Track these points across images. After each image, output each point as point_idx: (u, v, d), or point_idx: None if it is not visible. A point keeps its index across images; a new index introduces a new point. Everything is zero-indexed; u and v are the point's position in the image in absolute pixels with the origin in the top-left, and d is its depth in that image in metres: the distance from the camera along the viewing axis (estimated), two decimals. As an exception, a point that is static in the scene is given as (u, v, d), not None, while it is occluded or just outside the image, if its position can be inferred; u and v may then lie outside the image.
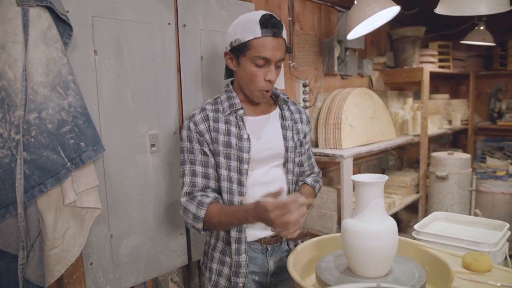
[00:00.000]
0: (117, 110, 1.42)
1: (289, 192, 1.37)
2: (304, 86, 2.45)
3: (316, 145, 2.62)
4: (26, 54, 1.14)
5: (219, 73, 1.73)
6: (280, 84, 2.25)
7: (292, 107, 1.42)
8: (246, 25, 1.21)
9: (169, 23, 1.54)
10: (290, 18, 2.35)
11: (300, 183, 1.45)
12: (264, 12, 1.22)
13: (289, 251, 1.37)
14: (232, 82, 1.37)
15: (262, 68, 1.23)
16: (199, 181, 1.26)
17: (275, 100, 1.41)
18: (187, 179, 1.27)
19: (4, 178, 1.14)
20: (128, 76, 1.43)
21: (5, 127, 1.14)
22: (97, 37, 1.34)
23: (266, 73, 1.23)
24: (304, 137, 1.43)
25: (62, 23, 1.23)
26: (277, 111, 1.38)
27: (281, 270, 1.36)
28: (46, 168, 1.17)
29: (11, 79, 1.13)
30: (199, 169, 1.26)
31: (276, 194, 1.10)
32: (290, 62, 2.38)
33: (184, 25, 1.59)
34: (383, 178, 1.09)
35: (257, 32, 1.19)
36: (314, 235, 1.47)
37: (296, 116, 1.41)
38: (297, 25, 2.44)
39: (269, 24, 1.19)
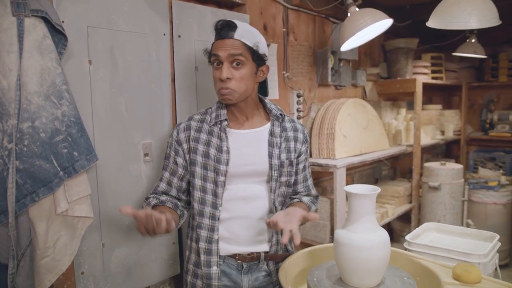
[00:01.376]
0: (111, 120, 1.42)
1: (270, 211, 1.32)
2: (298, 96, 2.47)
3: (310, 155, 2.64)
4: (20, 64, 1.14)
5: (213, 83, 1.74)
6: (274, 94, 2.27)
7: (288, 124, 1.38)
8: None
9: (164, 34, 1.55)
10: (284, 29, 2.38)
11: (296, 200, 1.41)
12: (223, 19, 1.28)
13: (268, 272, 1.34)
14: None
15: (219, 70, 1.24)
16: (162, 185, 1.33)
17: (269, 114, 1.37)
18: (156, 183, 1.35)
19: (-5, 187, 1.14)
20: (123, 86, 1.44)
21: (-2, 136, 1.14)
22: (92, 47, 1.35)
23: (219, 73, 1.24)
24: (298, 156, 1.39)
25: (57, 33, 1.24)
26: (267, 126, 1.35)
27: None
28: (38, 177, 1.17)
29: (4, 88, 1.13)
30: (166, 175, 1.33)
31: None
32: (284, 72, 2.40)
33: (179, 36, 1.61)
34: (376, 190, 1.09)
35: (215, 37, 1.26)
36: (307, 245, 1.47)
37: (290, 134, 1.37)
38: (291, 36, 2.47)
39: (218, 28, 1.25)
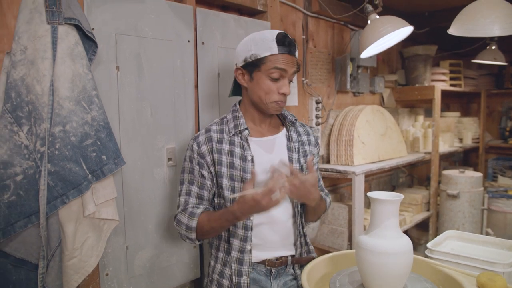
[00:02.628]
0: (136, 124, 1.45)
1: (294, 215, 1.35)
2: (317, 103, 2.48)
3: (328, 161, 2.64)
4: (53, 70, 1.18)
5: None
6: (293, 100, 2.28)
7: (300, 129, 1.42)
8: (261, 43, 1.25)
9: (188, 41, 1.58)
10: (304, 36, 2.40)
11: None
12: (278, 30, 1.27)
13: (294, 276, 1.35)
14: (239, 102, 1.38)
15: (277, 83, 1.25)
16: (192, 200, 1.29)
17: (283, 121, 1.41)
18: (182, 199, 1.30)
19: (28, 188, 1.18)
20: (148, 91, 1.48)
21: (31, 139, 1.18)
22: (119, 54, 1.39)
23: (280, 87, 1.26)
24: (314, 158, 1.42)
25: (88, 40, 1.28)
26: (283, 132, 1.38)
27: None
28: (68, 179, 1.20)
29: (38, 93, 1.17)
30: (194, 189, 1.30)
31: (250, 182, 1.17)
32: (304, 79, 2.42)
33: (203, 43, 1.63)
34: (399, 196, 1.10)
35: (274, 49, 1.23)
36: (325, 252, 1.47)
37: (304, 138, 1.41)
38: (310, 43, 2.48)
39: (285, 42, 1.24)
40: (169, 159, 1.55)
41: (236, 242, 1.28)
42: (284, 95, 1.27)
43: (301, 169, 1.35)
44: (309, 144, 1.42)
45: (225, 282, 1.29)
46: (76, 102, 1.21)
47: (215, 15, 1.68)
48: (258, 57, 1.24)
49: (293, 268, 1.36)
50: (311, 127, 2.48)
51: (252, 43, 1.26)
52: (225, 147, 1.29)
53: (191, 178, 1.30)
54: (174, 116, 1.56)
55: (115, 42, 1.38)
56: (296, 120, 1.41)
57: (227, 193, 1.28)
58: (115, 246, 1.43)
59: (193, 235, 1.26)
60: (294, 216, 1.35)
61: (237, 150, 1.29)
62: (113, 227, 1.35)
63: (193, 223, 1.25)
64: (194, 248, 1.66)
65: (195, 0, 1.63)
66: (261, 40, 1.25)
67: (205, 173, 1.29)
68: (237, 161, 1.28)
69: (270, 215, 1.29)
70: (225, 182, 1.28)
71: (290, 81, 1.29)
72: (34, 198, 1.18)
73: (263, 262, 1.31)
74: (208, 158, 1.28)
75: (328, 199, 1.47)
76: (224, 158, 1.28)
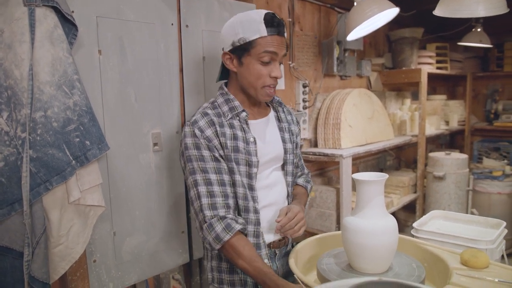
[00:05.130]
0: (120, 109, 1.43)
1: (288, 195, 1.37)
2: (304, 86, 2.48)
3: (316, 145, 2.65)
4: (32, 54, 1.15)
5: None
6: (280, 84, 2.27)
7: (285, 109, 1.45)
8: (249, 25, 1.20)
9: (172, 24, 1.55)
10: (290, 19, 2.37)
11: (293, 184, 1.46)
12: (266, 10, 1.22)
13: None
14: (226, 85, 1.34)
15: (267, 66, 1.22)
16: (219, 201, 1.19)
17: (269, 102, 1.41)
18: (204, 200, 1.18)
19: (10, 175, 1.16)
20: (132, 75, 1.45)
21: (11, 125, 1.15)
22: (101, 37, 1.36)
23: (271, 70, 1.22)
24: (296, 137, 1.44)
25: (68, 23, 1.25)
26: (272, 113, 1.39)
27: (289, 273, 1.31)
28: (51, 166, 1.18)
29: (17, 78, 1.14)
30: (212, 177, 1.20)
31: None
32: (290, 62, 2.40)
33: (187, 26, 1.61)
34: (384, 176, 1.11)
35: (263, 31, 1.18)
36: (313, 234, 1.49)
37: (289, 117, 1.44)
38: (297, 26, 2.46)
39: (274, 23, 1.19)
40: (155, 144, 1.54)
41: (250, 228, 1.25)
42: (276, 78, 1.24)
43: (292, 148, 1.38)
44: (293, 123, 1.44)
45: (236, 277, 1.28)
46: (57, 86, 1.19)
47: (199, -3, 1.65)
48: (247, 41, 1.19)
49: (292, 246, 1.38)
50: (298, 111, 2.50)
51: (239, 25, 1.21)
52: (227, 130, 1.24)
53: (204, 166, 1.20)
54: (159, 100, 1.54)
55: (96, 25, 1.35)
56: (281, 100, 1.44)
57: (238, 178, 1.22)
58: (102, 232, 1.43)
59: (218, 246, 1.17)
60: (288, 196, 1.38)
61: (239, 133, 1.25)
62: (99, 213, 1.34)
63: (226, 237, 1.15)
64: (182, 233, 1.67)
65: (178, -18, 1.60)
66: (248, 22, 1.20)
67: (217, 155, 1.21)
68: (241, 144, 1.24)
69: (269, 198, 1.31)
70: (235, 166, 1.23)
71: (280, 63, 1.27)
72: (17, 185, 1.16)
73: (269, 245, 1.31)
74: (216, 141, 1.21)
75: (310, 185, 1.49)
76: (229, 142, 1.23)
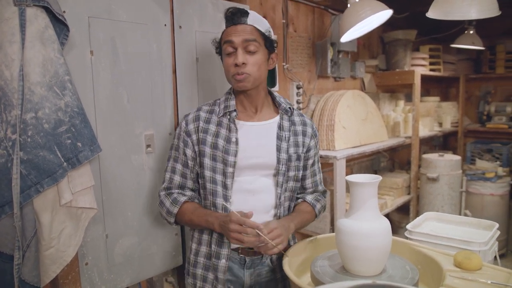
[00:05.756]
0: (113, 110, 1.42)
1: (275, 206, 1.32)
2: (298, 88, 2.48)
3: (309, 147, 2.65)
4: (23, 54, 1.14)
5: (214, 74, 1.74)
6: (274, 85, 2.27)
7: (297, 118, 1.38)
8: (221, 28, 1.30)
9: (165, 24, 1.55)
10: (284, 21, 2.38)
11: (300, 200, 1.40)
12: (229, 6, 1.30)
13: (272, 268, 1.34)
14: None
15: (232, 56, 1.26)
16: (177, 178, 1.33)
17: (278, 108, 1.37)
18: (167, 175, 1.35)
19: (0, 177, 1.14)
20: (124, 76, 1.44)
21: (1, 126, 1.14)
22: (93, 38, 1.35)
23: (234, 59, 1.25)
24: (308, 151, 1.38)
25: (59, 23, 1.23)
26: (276, 120, 1.35)
27: (260, 285, 1.33)
28: (42, 168, 1.17)
29: (7, 79, 1.13)
30: (178, 167, 1.33)
31: (245, 215, 1.17)
32: (284, 64, 2.41)
33: (180, 27, 1.60)
34: (377, 178, 1.11)
35: (223, 26, 1.28)
36: (307, 236, 1.48)
37: (299, 128, 1.37)
38: (291, 27, 2.47)
39: (229, 14, 1.26)
40: (148, 145, 1.53)
41: (218, 201, 1.28)
42: (237, 65, 1.24)
43: (289, 159, 1.32)
44: (304, 135, 1.37)
45: (202, 260, 1.31)
46: (48, 87, 1.18)
47: (192, -2, 1.65)
48: (217, 40, 1.32)
49: (271, 260, 1.34)
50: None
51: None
52: (212, 127, 1.30)
53: (176, 156, 1.34)
54: (151, 101, 1.53)
55: (88, 25, 1.34)
56: (292, 108, 1.37)
57: (207, 173, 1.28)
58: (94, 235, 1.41)
59: (171, 220, 1.32)
60: (276, 207, 1.32)
61: (223, 131, 1.29)
62: (91, 215, 1.33)
63: (174, 210, 1.30)
64: (176, 235, 1.66)
65: (172, -18, 1.59)
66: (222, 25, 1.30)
67: (188, 151, 1.31)
68: (220, 142, 1.27)
69: (249, 203, 1.28)
70: (207, 162, 1.28)
71: (250, 50, 1.24)
72: (7, 188, 1.14)
73: (236, 250, 1.30)
74: (194, 137, 1.30)
75: (319, 204, 1.41)
76: (209, 138, 1.29)
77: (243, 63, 1.23)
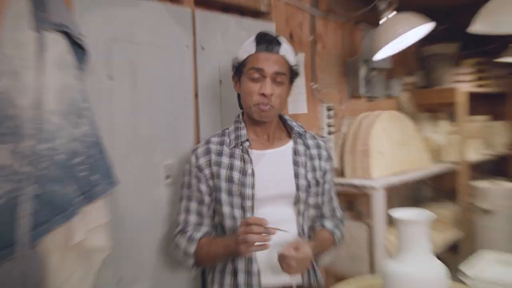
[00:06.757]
0: (131, 139, 1.45)
1: (299, 236, 1.36)
2: (328, 109, 2.48)
3: (343, 175, 2.62)
4: (39, 81, 1.18)
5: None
6: (302, 108, 2.28)
7: (310, 141, 1.44)
8: (245, 46, 1.36)
9: (187, 46, 1.59)
10: (311, 37, 2.41)
11: (318, 226, 1.44)
12: (262, 30, 1.34)
13: None
14: (243, 113, 1.44)
15: (257, 83, 1.30)
16: (192, 218, 1.36)
17: (290, 132, 1.43)
18: (181, 217, 1.38)
19: (8, 214, 1.14)
20: (144, 102, 1.48)
21: (13, 158, 1.17)
22: (112, 62, 1.40)
23: (260, 87, 1.29)
24: (324, 175, 1.43)
25: (78, 47, 1.28)
26: (290, 145, 1.40)
27: None
28: (55, 203, 1.18)
29: (22, 107, 1.17)
30: (193, 206, 1.36)
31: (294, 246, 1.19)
32: (313, 84, 2.42)
33: (202, 48, 1.65)
34: (429, 215, 1.09)
35: (252, 49, 1.32)
36: (342, 278, 1.45)
37: (314, 151, 1.43)
38: (319, 44, 2.49)
39: (262, 40, 1.30)
40: (167, 176, 1.55)
41: (240, 265, 1.28)
42: (264, 96, 1.29)
43: (308, 185, 1.36)
44: (320, 159, 1.43)
45: None
46: (65, 116, 1.21)
47: (215, 17, 1.70)
48: (240, 61, 1.35)
49: None
50: (322, 137, 2.49)
51: (240, 49, 1.36)
52: (225, 159, 1.33)
53: (190, 194, 1.37)
54: (172, 129, 1.56)
55: (107, 49, 1.39)
56: (304, 131, 1.43)
57: (225, 209, 1.31)
58: (106, 278, 1.41)
59: (190, 261, 1.31)
60: (300, 237, 1.34)
61: (237, 163, 1.32)
62: (104, 256, 1.33)
63: (192, 249, 1.31)
64: (194, 279, 1.64)
65: (194, 2, 1.64)
66: (246, 43, 1.35)
67: (203, 187, 1.34)
68: (236, 175, 1.31)
69: (276, 236, 1.26)
70: (224, 197, 1.31)
71: (278, 81, 1.31)
72: (9, 228, 1.13)
73: None
74: (207, 171, 1.34)
75: (339, 232, 1.45)
76: (223, 172, 1.32)
77: (271, 94, 1.29)
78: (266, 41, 1.30)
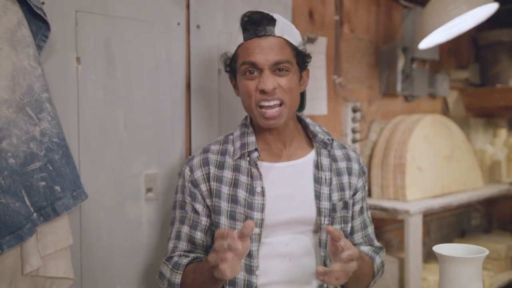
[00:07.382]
0: (103, 141, 1.45)
1: (315, 247, 1.35)
2: (354, 111, 2.48)
3: (369, 194, 2.62)
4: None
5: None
6: (320, 108, 2.28)
7: (338, 152, 1.42)
8: (233, 35, 1.34)
9: (178, 23, 1.59)
10: (337, 17, 2.41)
11: None
12: (248, 11, 1.31)
13: None
14: None
15: (254, 79, 1.27)
16: (182, 245, 1.35)
17: (313, 140, 1.41)
18: (171, 244, 1.37)
19: None
20: (121, 94, 1.48)
21: None
22: (81, 40, 1.40)
23: (258, 83, 1.26)
24: (354, 194, 1.41)
25: (36, 19, 1.27)
26: (311, 156, 1.38)
27: None
28: (4, 221, 1.17)
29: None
30: (185, 230, 1.35)
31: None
32: (335, 77, 2.42)
33: (198, 26, 1.65)
34: (483, 252, 1.08)
35: (239, 37, 1.29)
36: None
37: (342, 165, 1.41)
38: (346, 26, 2.49)
39: (249, 22, 1.27)
40: (148, 189, 1.55)
41: (240, 275, 1.28)
42: (265, 93, 1.25)
43: (333, 209, 1.35)
44: (350, 174, 1.41)
45: None
46: (18, 108, 1.20)
47: (215, -12, 1.70)
48: (230, 56, 1.34)
49: None
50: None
51: (230, 39, 1.36)
52: (227, 174, 1.32)
53: (183, 216, 1.36)
54: (156, 128, 1.56)
55: (75, 22, 1.39)
56: (331, 140, 1.40)
57: None
58: (66, 316, 1.41)
59: None
60: (317, 247, 1.34)
61: (243, 178, 1.31)
62: (66, 288, 1.33)
63: (177, 279, 1.28)
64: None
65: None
66: (233, 32, 1.34)
67: (198, 206, 1.33)
68: (241, 194, 1.30)
69: (285, 272, 1.30)
70: (223, 221, 1.30)
71: (280, 71, 1.27)
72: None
73: None
74: (203, 187, 1.33)
75: (379, 259, 1.43)
76: (225, 189, 1.31)
77: (274, 88, 1.25)
78: (253, 23, 1.25)
